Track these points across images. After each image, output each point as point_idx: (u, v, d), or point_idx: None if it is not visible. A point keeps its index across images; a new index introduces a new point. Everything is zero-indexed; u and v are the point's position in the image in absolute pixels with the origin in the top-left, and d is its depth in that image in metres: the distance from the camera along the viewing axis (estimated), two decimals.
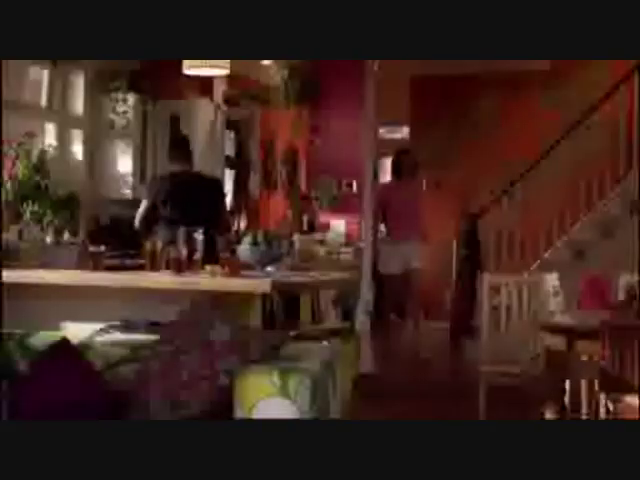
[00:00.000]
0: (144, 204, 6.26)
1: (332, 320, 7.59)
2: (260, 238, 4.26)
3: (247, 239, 4.27)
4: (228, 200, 8.42)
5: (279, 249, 4.39)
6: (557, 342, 5.06)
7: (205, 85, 7.97)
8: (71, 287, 4.23)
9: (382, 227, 8.20)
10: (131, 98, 7.22)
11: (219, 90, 8.23)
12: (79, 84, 7.20)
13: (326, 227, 8.48)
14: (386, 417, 6.05)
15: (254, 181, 9.23)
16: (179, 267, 4.21)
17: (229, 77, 7.77)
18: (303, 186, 9.45)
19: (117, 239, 6.25)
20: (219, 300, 3.86)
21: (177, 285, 4.02)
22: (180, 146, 6.49)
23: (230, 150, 9.07)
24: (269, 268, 4.36)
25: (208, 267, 4.28)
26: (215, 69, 6.20)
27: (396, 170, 8.31)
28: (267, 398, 2.71)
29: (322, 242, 8.23)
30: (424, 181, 8.74)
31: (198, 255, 4.35)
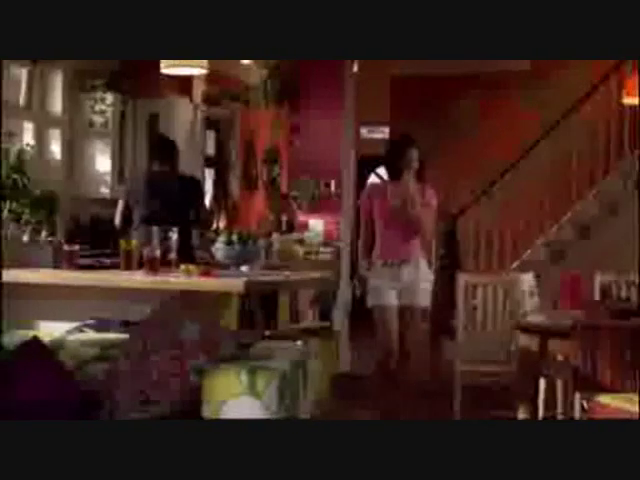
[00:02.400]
0: (120, 204, 6.27)
1: (310, 320, 7.60)
2: (235, 238, 4.27)
3: (221, 238, 4.28)
4: (208, 200, 8.42)
5: (254, 249, 4.40)
6: (532, 342, 5.09)
7: (184, 84, 7.97)
8: (45, 286, 4.23)
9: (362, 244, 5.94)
10: (110, 97, 7.21)
11: (198, 89, 8.23)
12: (57, 83, 7.19)
13: (305, 227, 8.49)
14: (364, 416, 6.07)
15: (234, 181, 9.24)
16: (153, 266, 4.22)
17: (208, 76, 7.76)
18: (283, 186, 9.46)
19: (96, 238, 6.26)
20: (195, 299, 3.87)
21: (151, 284, 4.02)
22: (164, 147, 6.46)
23: (210, 150, 9.07)
24: (244, 268, 4.37)
25: (183, 266, 4.30)
26: (193, 68, 6.17)
27: (391, 165, 5.86)
28: (235, 397, 2.72)
29: (301, 242, 8.25)
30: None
31: (173, 254, 4.36)
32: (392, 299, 5.66)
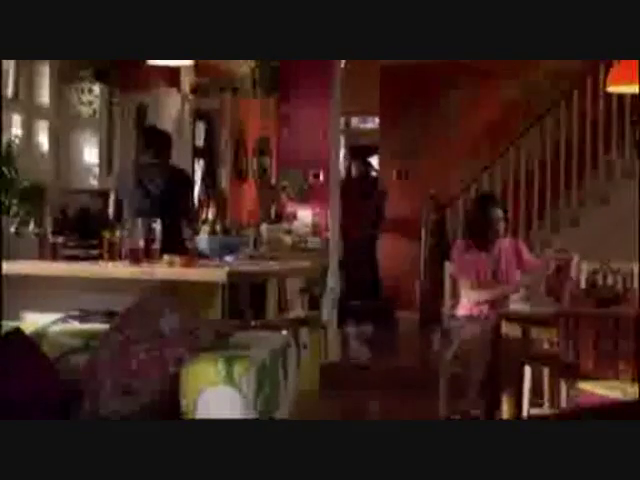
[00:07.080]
0: (113, 196, 6.31)
1: (299, 310, 7.62)
2: (218, 228, 4.29)
3: (205, 229, 4.30)
4: (197, 190, 8.44)
5: (237, 239, 4.42)
6: (515, 330, 5.12)
7: (172, 75, 7.97)
8: (30, 277, 4.25)
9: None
10: (97, 88, 7.20)
11: (186, 80, 8.23)
12: (45, 74, 7.18)
13: (293, 217, 8.51)
14: (350, 407, 6.11)
15: (224, 171, 9.24)
16: (136, 257, 4.24)
17: (196, 67, 7.77)
18: (273, 176, 9.48)
19: (84, 229, 6.27)
20: (177, 290, 3.89)
21: (134, 275, 4.05)
22: (158, 139, 6.46)
23: (199, 141, 9.07)
24: (228, 258, 4.39)
25: (166, 257, 4.32)
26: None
27: (478, 231, 5.57)
28: (212, 386, 2.72)
29: (289, 232, 8.27)
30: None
31: (157, 245, 4.38)
32: None
